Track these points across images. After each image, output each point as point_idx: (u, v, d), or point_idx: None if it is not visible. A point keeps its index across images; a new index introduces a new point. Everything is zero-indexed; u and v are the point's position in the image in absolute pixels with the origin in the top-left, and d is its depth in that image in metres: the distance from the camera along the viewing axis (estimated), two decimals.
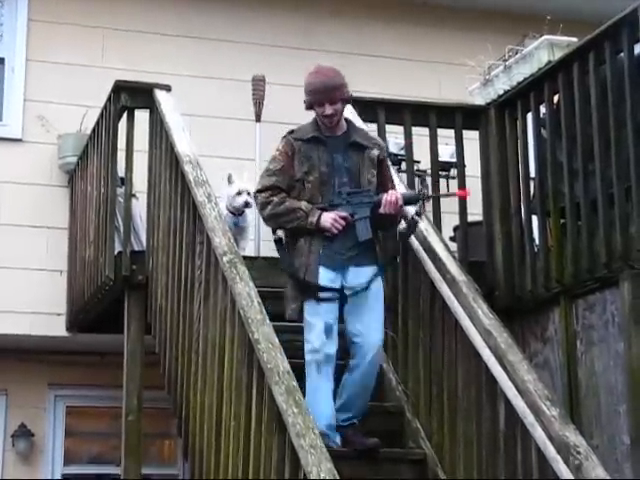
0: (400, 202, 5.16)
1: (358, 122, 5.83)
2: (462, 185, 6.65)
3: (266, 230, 8.31)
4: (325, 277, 5.17)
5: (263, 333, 4.79)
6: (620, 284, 5.37)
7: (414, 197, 5.41)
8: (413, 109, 6.89)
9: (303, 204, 5.17)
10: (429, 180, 7.06)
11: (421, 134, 6.88)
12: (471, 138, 6.93)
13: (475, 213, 6.81)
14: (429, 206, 6.58)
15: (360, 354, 5.19)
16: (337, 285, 5.17)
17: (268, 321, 4.88)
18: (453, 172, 7.55)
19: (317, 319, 5.14)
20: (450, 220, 7.01)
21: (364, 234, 5.14)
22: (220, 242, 5.31)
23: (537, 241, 6.16)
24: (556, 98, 6.09)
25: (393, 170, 5.73)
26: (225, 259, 5.20)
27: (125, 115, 6.82)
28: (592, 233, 5.63)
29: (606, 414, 5.42)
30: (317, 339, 5.13)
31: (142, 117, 6.73)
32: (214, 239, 5.36)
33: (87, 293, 7.28)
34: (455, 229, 7.19)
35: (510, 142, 6.58)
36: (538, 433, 4.38)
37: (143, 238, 6.97)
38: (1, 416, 8.56)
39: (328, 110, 5.18)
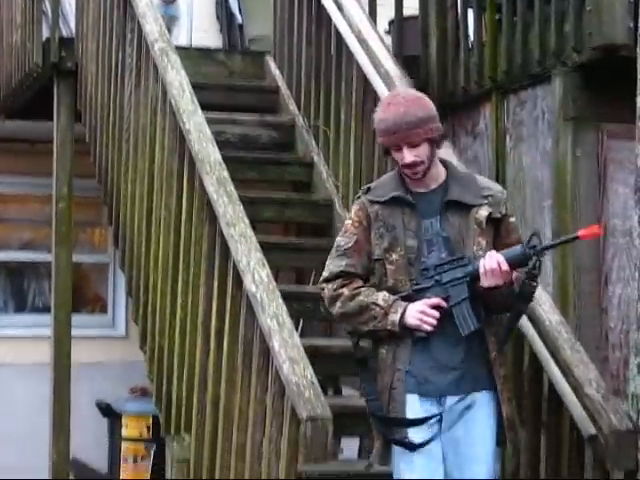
0: (505, 266, 3.56)
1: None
2: None
3: (199, 21, 8.18)
4: (417, 408, 3.63)
5: (194, 123, 4.78)
6: (552, 81, 5.39)
7: (523, 255, 3.60)
8: None
9: (381, 296, 3.65)
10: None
11: None
12: None
13: (411, 7, 6.72)
14: None
15: None
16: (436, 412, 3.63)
17: (200, 111, 4.85)
18: None
19: (412, 473, 3.61)
20: (385, 12, 6.92)
21: (467, 325, 3.60)
22: (151, 29, 5.22)
23: (472, 37, 6.12)
24: None
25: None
26: (156, 47, 5.12)
27: None
28: (527, 29, 5.61)
29: (531, 208, 5.53)
30: None
31: None
32: (145, 26, 5.26)
33: (15, 79, 7.14)
34: (390, 23, 7.10)
35: None
36: None
37: (72, 24, 6.81)
38: None
39: (407, 157, 3.66)
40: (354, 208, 3.79)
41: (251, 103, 6.36)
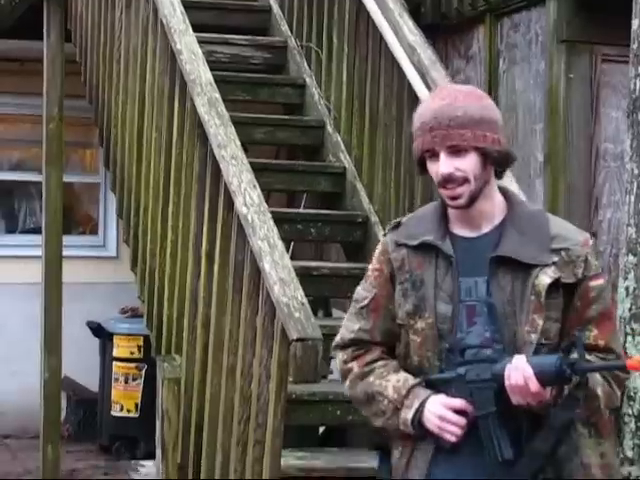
0: (533, 386, 2.54)
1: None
2: None
3: None
4: None
5: (186, 43, 4.73)
6: (546, 3, 5.34)
7: (558, 374, 2.55)
8: None
9: (393, 383, 2.69)
10: None
11: None
12: None
13: None
14: None
15: None
16: None
17: (191, 31, 4.81)
18: None
19: None
20: None
21: (495, 450, 2.58)
22: None
23: None
24: None
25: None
26: None
27: None
28: None
29: (523, 132, 5.52)
30: None
31: None
32: None
33: None
34: None
35: None
36: None
37: None
38: None
39: (444, 166, 2.64)
40: (377, 250, 2.82)
41: (243, 24, 6.30)
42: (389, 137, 5.16)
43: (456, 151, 2.64)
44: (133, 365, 7.49)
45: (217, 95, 4.53)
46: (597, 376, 2.66)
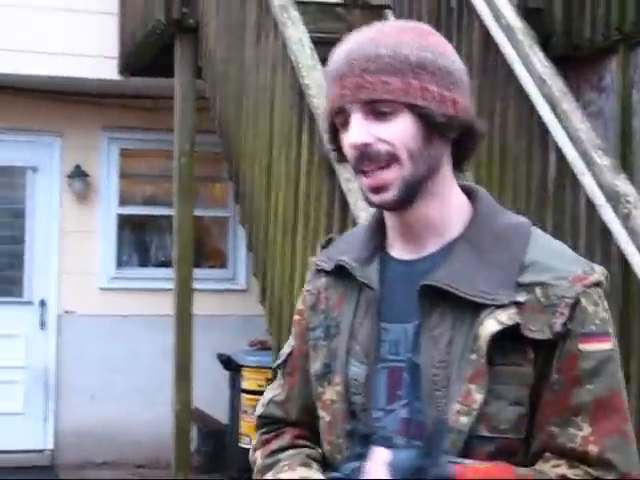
0: None
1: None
2: None
3: None
4: None
5: (314, 78, 4.77)
6: None
7: (418, 469, 1.64)
8: None
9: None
10: None
11: None
12: None
13: None
14: None
15: None
16: None
17: (319, 67, 4.84)
18: None
19: None
20: None
21: None
22: None
23: None
24: None
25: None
26: (276, 2, 5.11)
27: None
28: None
29: None
30: None
31: None
32: None
33: (138, 37, 7.23)
34: None
35: None
36: (588, 182, 4.38)
37: None
38: (57, 157, 8.71)
39: (356, 133, 1.69)
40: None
41: None
42: (518, 171, 5.09)
43: (379, 113, 1.67)
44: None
45: None
46: None
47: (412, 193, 1.70)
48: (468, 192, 1.79)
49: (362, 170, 1.70)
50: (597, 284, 1.69)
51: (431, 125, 1.68)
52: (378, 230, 1.81)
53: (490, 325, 1.63)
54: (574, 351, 1.65)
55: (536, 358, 1.65)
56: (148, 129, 8.54)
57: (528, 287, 1.66)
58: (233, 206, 8.10)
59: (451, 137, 1.71)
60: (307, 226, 4.74)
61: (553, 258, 1.70)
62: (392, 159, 1.68)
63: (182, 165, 6.61)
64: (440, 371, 1.66)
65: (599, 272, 1.69)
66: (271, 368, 7.04)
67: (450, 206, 1.74)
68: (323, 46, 5.53)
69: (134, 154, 8.97)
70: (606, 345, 1.67)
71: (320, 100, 4.66)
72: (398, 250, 1.77)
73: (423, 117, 1.67)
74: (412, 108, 1.67)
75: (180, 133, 6.61)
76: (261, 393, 6.92)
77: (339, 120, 1.73)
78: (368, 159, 1.68)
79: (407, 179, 1.68)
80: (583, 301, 1.66)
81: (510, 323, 1.63)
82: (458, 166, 1.77)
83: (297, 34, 4.95)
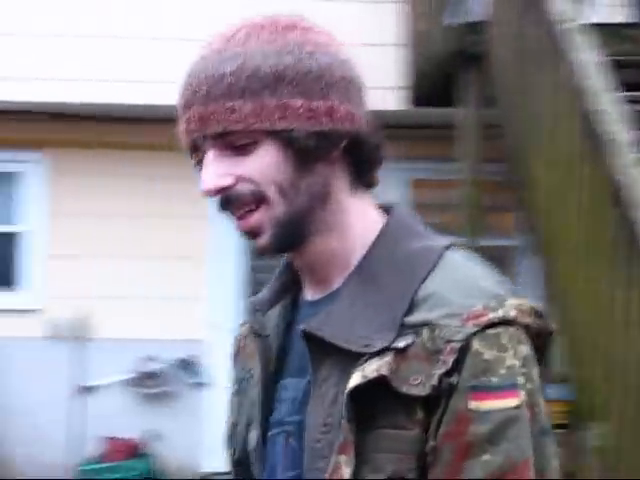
0: None
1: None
2: None
3: None
4: None
5: (604, 104, 4.64)
6: None
7: None
8: None
9: None
10: None
11: None
12: None
13: None
14: None
15: None
16: None
17: (612, 91, 4.72)
18: None
19: None
20: None
21: None
22: (560, 9, 5.14)
23: None
24: None
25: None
26: (566, 27, 5.04)
27: None
28: None
29: None
30: None
31: None
32: (554, 5, 5.18)
33: (422, 67, 7.27)
34: None
35: None
36: None
37: (475, 9, 6.83)
38: None
39: (207, 177, 1.41)
40: None
41: None
42: None
43: (237, 146, 1.38)
44: None
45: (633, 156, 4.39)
46: None
47: (293, 233, 1.41)
48: (388, 211, 1.51)
49: (234, 215, 1.43)
50: (506, 322, 1.32)
51: (302, 149, 1.37)
52: (290, 269, 1.53)
53: (353, 379, 1.32)
54: (463, 411, 1.29)
55: (426, 419, 1.30)
56: (432, 158, 8.57)
57: (415, 328, 1.34)
58: (520, 235, 7.99)
59: (335, 155, 1.41)
60: (596, 258, 4.59)
61: (452, 290, 1.36)
62: (259, 199, 1.39)
63: (466, 194, 6.59)
64: (323, 436, 1.35)
65: (510, 306, 1.33)
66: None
67: (355, 234, 1.45)
68: (622, 68, 5.38)
69: (421, 184, 9.01)
70: (511, 401, 1.30)
71: (609, 127, 4.51)
72: (309, 290, 1.50)
73: (289, 142, 1.36)
74: (273, 134, 1.36)
75: (464, 162, 6.59)
76: None
77: (196, 157, 1.43)
78: (232, 204, 1.40)
79: (281, 219, 1.39)
80: (476, 345, 1.30)
81: (374, 376, 1.30)
82: (363, 183, 1.46)
83: (584, 58, 4.85)
